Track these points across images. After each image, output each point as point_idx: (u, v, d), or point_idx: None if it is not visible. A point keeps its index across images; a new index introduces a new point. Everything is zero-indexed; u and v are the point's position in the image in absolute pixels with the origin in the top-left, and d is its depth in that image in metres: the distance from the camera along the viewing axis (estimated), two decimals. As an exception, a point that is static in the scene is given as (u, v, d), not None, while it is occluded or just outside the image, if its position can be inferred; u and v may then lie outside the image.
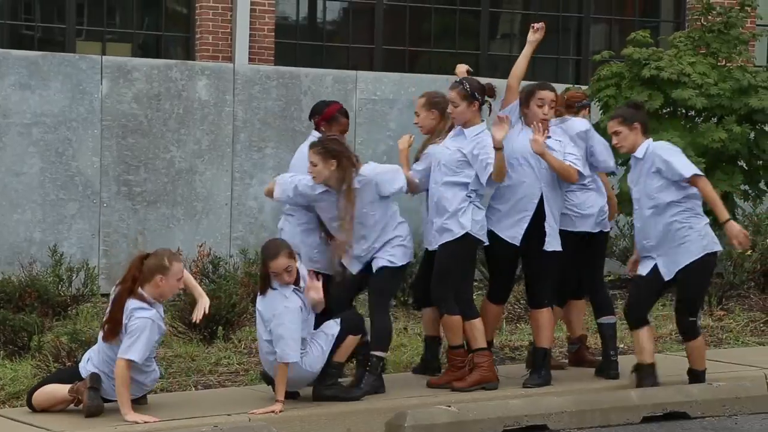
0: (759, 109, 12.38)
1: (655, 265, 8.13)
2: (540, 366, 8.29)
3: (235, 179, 12.39)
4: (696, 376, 8.40)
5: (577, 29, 16.70)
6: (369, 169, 8.01)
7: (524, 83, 8.43)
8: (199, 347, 9.40)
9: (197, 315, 7.66)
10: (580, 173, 8.22)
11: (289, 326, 7.54)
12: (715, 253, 8.21)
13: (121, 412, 7.23)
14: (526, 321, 9.95)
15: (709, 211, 8.27)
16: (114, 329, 7.37)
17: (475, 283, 8.82)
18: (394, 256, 8.00)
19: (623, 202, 10.76)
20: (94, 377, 7.35)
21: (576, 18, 16.68)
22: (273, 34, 14.86)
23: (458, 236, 7.98)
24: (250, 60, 14.48)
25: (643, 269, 8.21)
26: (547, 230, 8.14)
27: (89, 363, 7.47)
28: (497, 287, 8.43)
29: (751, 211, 12.70)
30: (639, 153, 8.18)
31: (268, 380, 7.81)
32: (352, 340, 7.81)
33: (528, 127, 8.17)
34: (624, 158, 10.48)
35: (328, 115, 8.32)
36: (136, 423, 7.16)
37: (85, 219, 11.83)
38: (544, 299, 8.30)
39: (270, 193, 8.18)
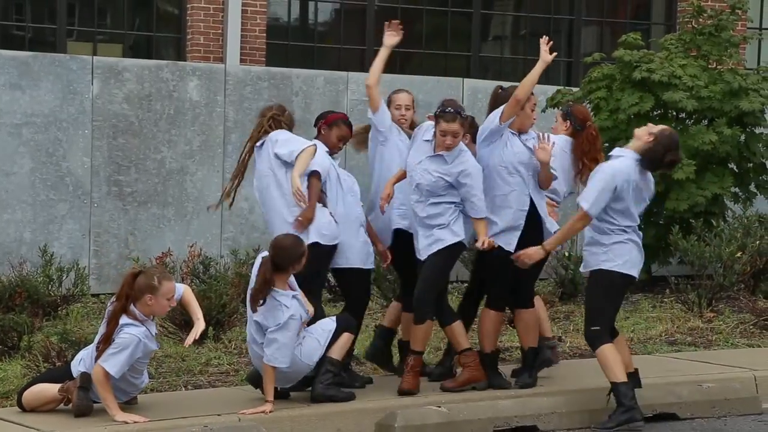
0: (749, 111, 12.41)
1: None
2: (530, 366, 8.29)
3: (226, 180, 12.32)
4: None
5: (568, 31, 16.71)
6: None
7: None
8: (190, 347, 9.38)
9: (189, 341, 7.60)
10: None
11: (287, 334, 7.55)
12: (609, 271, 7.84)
13: (110, 414, 7.22)
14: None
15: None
16: (107, 348, 7.34)
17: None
18: None
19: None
20: (85, 377, 7.33)
21: (567, 20, 16.70)
22: (264, 35, 14.86)
23: (451, 243, 7.97)
24: (242, 61, 14.47)
25: None
26: (550, 229, 8.13)
27: (81, 364, 7.45)
28: (499, 294, 8.30)
29: (741, 213, 12.72)
30: None
31: (256, 383, 7.80)
32: (347, 338, 7.83)
33: (514, 136, 8.10)
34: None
35: (331, 120, 8.36)
36: (126, 423, 7.15)
37: (76, 219, 11.81)
38: (532, 298, 8.32)
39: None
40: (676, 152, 7.83)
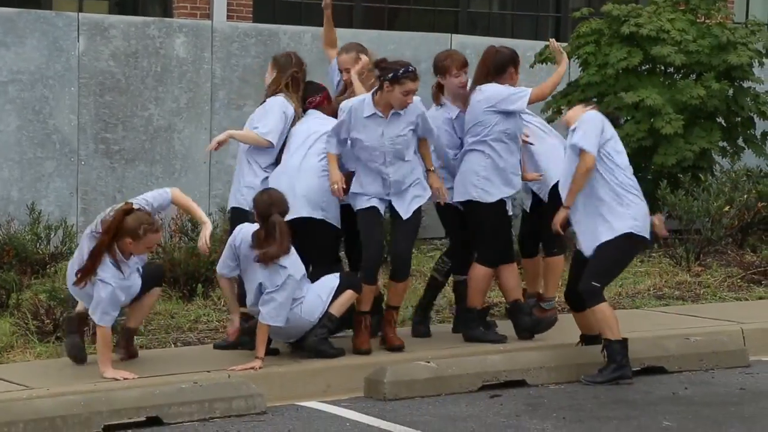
0: (737, 65, 12.40)
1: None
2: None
3: (213, 137, 12.32)
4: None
5: (556, -14, 16.64)
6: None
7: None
8: (179, 304, 9.40)
9: (200, 243, 7.76)
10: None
11: (284, 294, 7.57)
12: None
13: (100, 369, 7.24)
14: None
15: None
16: (84, 278, 7.34)
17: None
18: None
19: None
20: (72, 320, 7.53)
21: (555, -25, 16.62)
22: (251, -9, 14.76)
23: (427, 197, 8.27)
24: (228, 17, 14.38)
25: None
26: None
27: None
28: (488, 250, 8.40)
29: (729, 167, 12.74)
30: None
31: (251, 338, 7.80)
32: (350, 295, 7.84)
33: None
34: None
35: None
36: (116, 380, 7.17)
37: (63, 177, 11.78)
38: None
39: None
40: None
